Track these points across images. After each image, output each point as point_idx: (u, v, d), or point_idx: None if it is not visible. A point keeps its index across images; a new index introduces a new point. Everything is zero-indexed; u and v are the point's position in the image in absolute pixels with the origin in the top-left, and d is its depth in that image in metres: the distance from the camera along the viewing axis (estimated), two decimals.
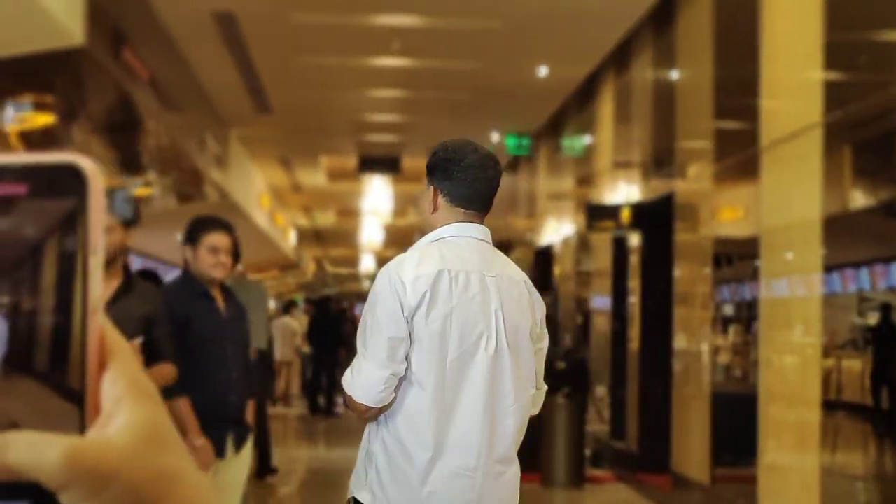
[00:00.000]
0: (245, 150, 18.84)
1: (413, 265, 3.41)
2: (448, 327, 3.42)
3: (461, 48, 12.34)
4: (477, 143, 3.72)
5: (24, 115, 9.11)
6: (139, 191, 14.60)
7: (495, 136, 16.70)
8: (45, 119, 9.37)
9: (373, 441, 3.51)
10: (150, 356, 4.79)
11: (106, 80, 9.18)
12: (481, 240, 3.61)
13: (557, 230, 16.21)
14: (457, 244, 3.54)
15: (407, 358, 3.42)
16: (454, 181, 3.60)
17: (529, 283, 3.66)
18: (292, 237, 31.31)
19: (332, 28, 11.62)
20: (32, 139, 10.93)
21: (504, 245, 14.57)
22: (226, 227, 5.36)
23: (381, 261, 43.49)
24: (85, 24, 7.80)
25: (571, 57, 12.63)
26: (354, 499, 3.52)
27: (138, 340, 4.61)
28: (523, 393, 3.51)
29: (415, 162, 20.73)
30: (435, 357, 3.42)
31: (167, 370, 4.87)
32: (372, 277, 35.33)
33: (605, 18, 11.19)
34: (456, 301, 3.41)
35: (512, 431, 3.50)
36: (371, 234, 28.52)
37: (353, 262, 43.49)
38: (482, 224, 3.68)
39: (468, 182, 3.60)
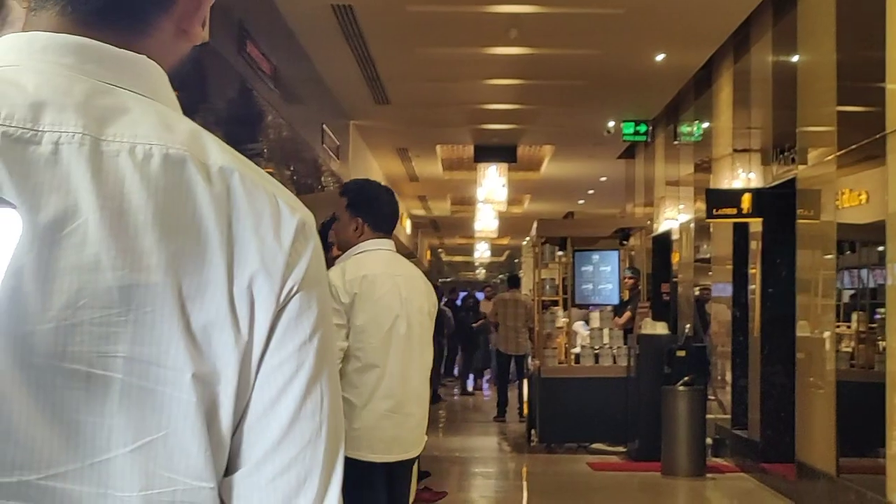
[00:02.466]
0: (363, 141, 19.02)
1: (342, 273, 4.82)
2: (376, 314, 4.82)
3: (579, 35, 12.31)
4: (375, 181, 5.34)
5: None
6: None
7: (611, 123, 16.62)
8: None
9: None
10: None
11: (230, 75, 9.36)
12: (389, 250, 5.00)
13: (675, 217, 16.09)
14: (374, 254, 4.92)
15: (347, 337, 4.77)
16: (375, 215, 4.96)
17: (423, 277, 5.18)
18: (408, 226, 31.52)
19: (449, 18, 11.67)
20: None
21: (622, 233, 14.50)
22: None
23: (496, 249, 43.61)
24: (210, 20, 7.97)
25: (690, 42, 12.52)
26: None
27: None
28: (427, 356, 5.00)
29: (531, 151, 20.75)
30: (369, 335, 4.81)
31: None
32: (486, 266, 35.14)
33: (724, 3, 11.07)
34: (377, 294, 4.82)
35: (418, 384, 4.94)
36: (486, 222, 28.55)
37: (468, 250, 43.62)
38: (389, 239, 5.05)
39: (383, 215, 5.01)
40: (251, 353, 1.08)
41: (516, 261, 43.21)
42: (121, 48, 1.13)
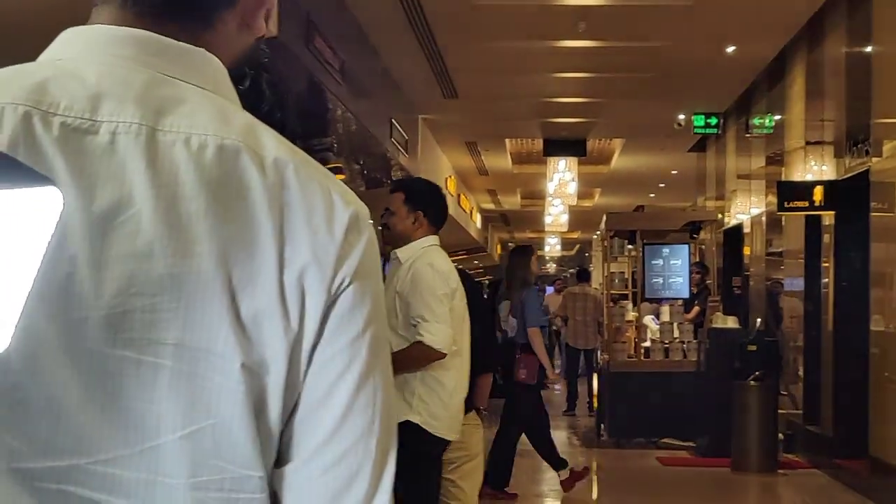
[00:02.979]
0: (432, 136, 19.04)
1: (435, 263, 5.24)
2: (460, 304, 5.29)
3: (647, 27, 12.22)
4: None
5: None
6: None
7: (682, 116, 16.49)
8: None
9: (410, 379, 5.10)
10: None
11: (299, 69, 9.41)
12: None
13: (747, 210, 15.92)
14: (440, 249, 5.35)
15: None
16: (435, 209, 5.35)
17: None
18: (478, 220, 31.52)
19: (516, 11, 11.64)
20: None
21: (692, 226, 14.38)
22: None
23: (566, 243, 43.49)
24: (278, 14, 8.01)
25: (761, 34, 12.39)
26: (408, 421, 5.01)
27: None
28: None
29: (600, 144, 20.65)
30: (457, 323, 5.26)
31: None
32: (557, 260, 34.95)
33: None
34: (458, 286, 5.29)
35: None
36: (556, 216, 28.48)
37: (539, 244, 43.55)
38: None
39: (442, 209, 5.42)
40: (301, 345, 1.08)
41: (587, 255, 43.07)
42: (184, 41, 1.15)
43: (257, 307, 1.06)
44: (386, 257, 5.36)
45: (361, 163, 15.65)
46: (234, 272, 1.05)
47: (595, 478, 11.69)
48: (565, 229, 30.33)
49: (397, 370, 5.09)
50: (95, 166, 1.05)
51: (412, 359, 5.09)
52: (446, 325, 5.11)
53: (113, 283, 1.03)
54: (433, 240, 5.34)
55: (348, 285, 1.09)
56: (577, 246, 46.83)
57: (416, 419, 5.12)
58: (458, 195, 24.56)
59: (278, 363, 1.07)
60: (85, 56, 1.13)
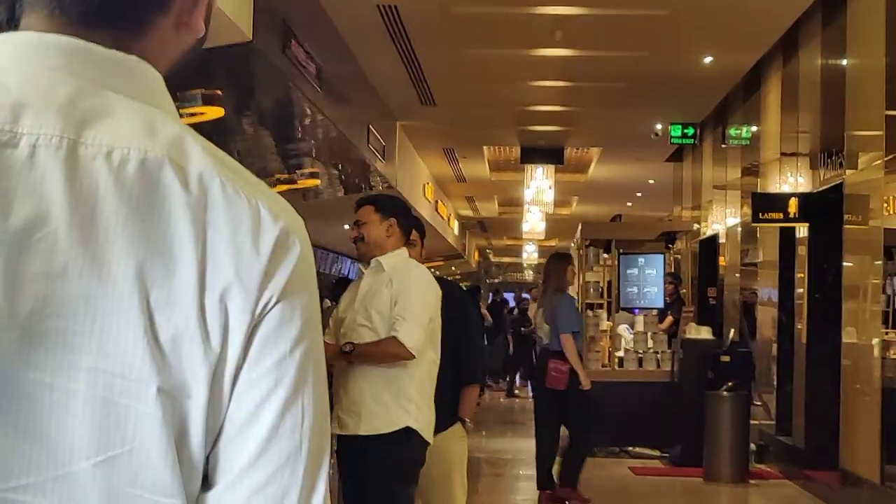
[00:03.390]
0: (410, 142, 19.03)
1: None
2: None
3: (624, 37, 12.24)
4: None
5: (194, 109, 9.38)
6: (305, 182, 14.90)
7: (659, 126, 16.52)
8: (214, 112, 9.62)
9: (406, 387, 5.24)
10: None
11: (274, 74, 9.39)
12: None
13: (722, 220, 15.96)
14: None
15: None
16: (408, 219, 5.56)
17: None
18: (456, 227, 31.52)
19: (494, 19, 11.64)
20: (203, 131, 11.25)
21: (667, 237, 14.41)
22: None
23: (544, 251, 43.54)
24: (253, 19, 7.99)
25: (737, 45, 12.42)
26: (408, 427, 5.20)
27: None
28: None
29: (578, 152, 20.68)
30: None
31: None
32: (535, 267, 34.88)
33: (772, 5, 10.96)
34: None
35: None
36: (533, 224, 28.49)
37: (516, 251, 43.57)
38: None
39: (412, 223, 5.66)
40: (224, 367, 1.05)
41: None
42: (116, 48, 1.12)
43: (176, 329, 1.02)
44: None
45: (340, 168, 15.63)
46: (151, 293, 1.02)
47: None
48: (543, 237, 30.29)
49: (363, 360, 5.23)
50: (14, 180, 1.02)
51: (382, 352, 5.22)
52: (422, 330, 5.22)
53: (27, 303, 1.00)
54: (406, 252, 5.51)
55: (275, 304, 1.06)
56: None
57: (415, 425, 5.25)
58: (436, 202, 24.55)
59: (199, 387, 1.03)
60: (9, 64, 1.09)
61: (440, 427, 5.54)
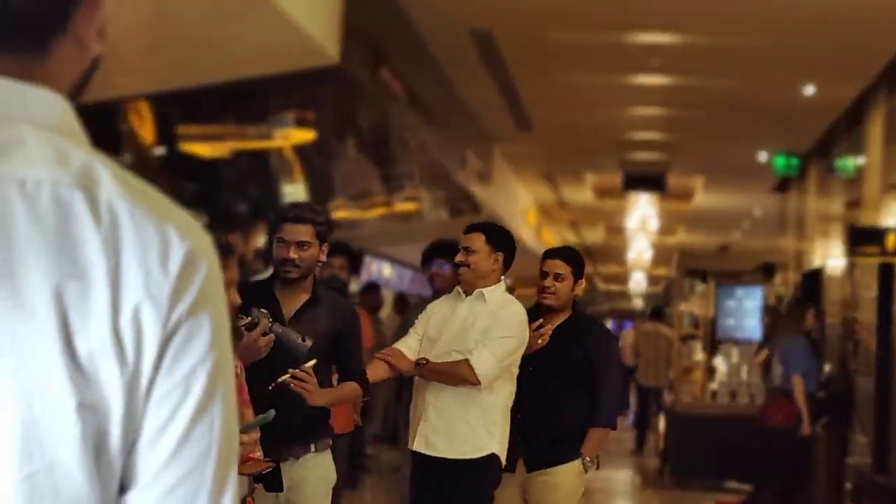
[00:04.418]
0: (509, 167, 19.02)
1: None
2: None
3: (723, 66, 12.10)
4: None
5: (286, 132, 9.50)
6: (402, 206, 14.99)
7: (763, 156, 16.29)
8: (306, 135, 9.74)
9: (491, 410, 5.36)
10: (340, 373, 4.84)
11: (363, 97, 9.47)
12: None
13: (826, 254, 15.64)
14: None
15: None
16: (511, 257, 5.55)
17: None
18: None
19: (590, 46, 11.61)
20: (305, 154, 11.40)
21: (766, 268, 14.18)
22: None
23: (653, 279, 43.19)
24: (341, 43, 8.07)
25: (839, 75, 12.19)
26: (493, 454, 5.34)
27: (311, 363, 4.50)
28: None
29: (681, 180, 20.46)
30: None
31: (353, 389, 4.87)
32: (643, 296, 34.46)
33: (874, 37, 10.74)
34: None
35: None
36: (639, 251, 28.27)
37: (622, 279, 43.24)
38: None
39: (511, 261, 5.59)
40: (139, 381, 1.12)
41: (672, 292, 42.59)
42: (22, 74, 1.16)
43: (92, 347, 1.09)
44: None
45: (438, 192, 15.70)
46: (69, 314, 1.09)
47: None
48: (649, 265, 30.09)
49: (433, 377, 5.35)
50: None
51: (450, 372, 5.33)
52: (497, 362, 5.30)
53: None
54: (504, 286, 5.63)
55: (185, 319, 1.13)
56: (664, 283, 46.39)
57: (498, 451, 5.40)
58: (539, 227, 24.49)
59: (116, 400, 1.10)
60: None
61: (557, 460, 5.64)
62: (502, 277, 5.57)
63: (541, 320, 5.63)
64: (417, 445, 5.43)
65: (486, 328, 5.34)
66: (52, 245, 1.09)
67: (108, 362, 1.09)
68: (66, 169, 1.11)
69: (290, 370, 4.40)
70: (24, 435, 1.07)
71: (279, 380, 4.37)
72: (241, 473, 3.41)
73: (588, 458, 5.74)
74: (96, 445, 1.09)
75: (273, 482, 3.87)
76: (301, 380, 4.43)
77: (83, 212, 1.10)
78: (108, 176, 1.13)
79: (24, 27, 1.17)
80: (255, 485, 4.00)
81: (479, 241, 5.45)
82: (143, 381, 1.12)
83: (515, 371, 5.47)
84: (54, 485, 1.08)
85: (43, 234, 1.09)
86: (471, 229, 5.58)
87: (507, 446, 5.44)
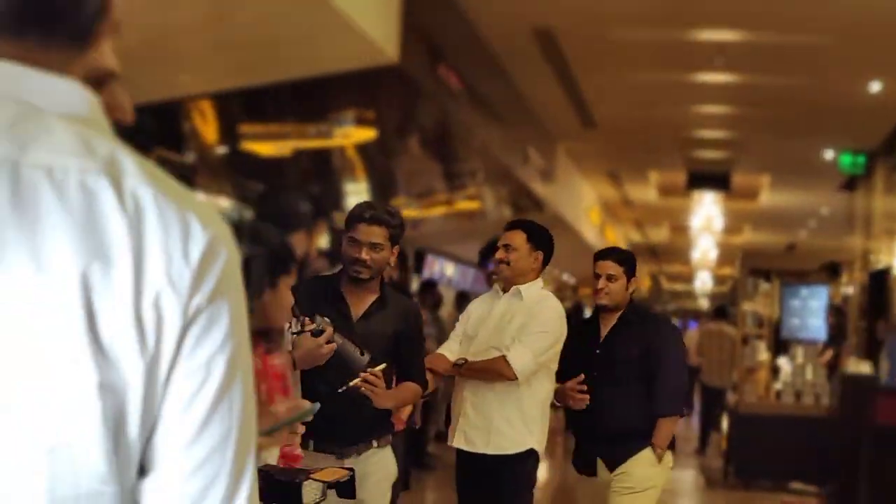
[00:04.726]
0: (573, 164, 18.96)
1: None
2: None
3: (788, 63, 11.99)
4: None
5: (346, 130, 9.54)
6: (464, 204, 14.99)
7: (829, 154, 16.10)
8: (366, 134, 9.77)
9: (529, 408, 5.38)
10: (400, 373, 4.82)
11: (423, 96, 9.49)
12: None
13: (893, 253, 15.43)
14: None
15: None
16: (550, 257, 5.59)
17: None
18: None
19: (653, 44, 11.54)
20: (367, 153, 11.44)
21: (831, 267, 14.01)
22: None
23: (719, 279, 42.88)
24: (399, 43, 8.10)
25: None
26: (532, 449, 5.37)
27: (381, 367, 4.53)
28: None
29: (746, 179, 20.29)
30: None
31: (413, 389, 4.88)
32: (709, 295, 34.11)
33: None
34: None
35: None
36: (704, 250, 28.04)
37: (687, 278, 42.94)
38: None
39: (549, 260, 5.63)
40: (159, 364, 1.15)
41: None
42: (60, 63, 1.20)
43: (115, 330, 1.13)
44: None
45: (500, 190, 15.69)
46: (93, 296, 1.12)
47: None
48: (714, 264, 29.86)
49: (472, 375, 5.42)
50: None
51: (487, 368, 5.39)
52: (533, 357, 5.34)
53: None
54: (542, 283, 5.64)
55: (205, 307, 1.16)
56: (731, 282, 45.98)
57: (537, 447, 5.44)
58: (603, 226, 24.39)
59: (136, 383, 1.14)
60: None
61: (630, 454, 5.65)
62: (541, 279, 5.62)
63: (582, 376, 5.62)
64: (457, 442, 5.48)
65: (523, 324, 5.38)
66: (78, 229, 1.13)
67: (130, 345, 1.13)
68: (92, 157, 1.15)
69: (361, 374, 4.44)
70: (44, 411, 1.11)
71: (350, 384, 4.42)
72: (318, 480, 3.44)
73: (660, 448, 5.73)
74: (115, 426, 1.13)
75: (347, 490, 3.90)
76: (371, 383, 4.47)
77: (109, 198, 1.14)
78: (132, 165, 1.16)
79: (68, 19, 1.21)
80: (329, 490, 4.03)
81: (519, 238, 5.48)
82: (163, 366, 1.15)
83: (554, 367, 5.51)
84: (73, 462, 1.12)
85: (70, 218, 1.12)
86: (511, 227, 5.62)
87: (545, 442, 5.49)
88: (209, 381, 1.16)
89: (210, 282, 1.17)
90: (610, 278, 5.67)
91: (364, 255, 4.65)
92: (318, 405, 3.44)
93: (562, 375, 5.66)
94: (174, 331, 1.15)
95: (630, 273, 5.78)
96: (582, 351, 5.70)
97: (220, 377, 1.17)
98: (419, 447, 11.43)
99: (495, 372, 5.33)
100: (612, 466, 5.69)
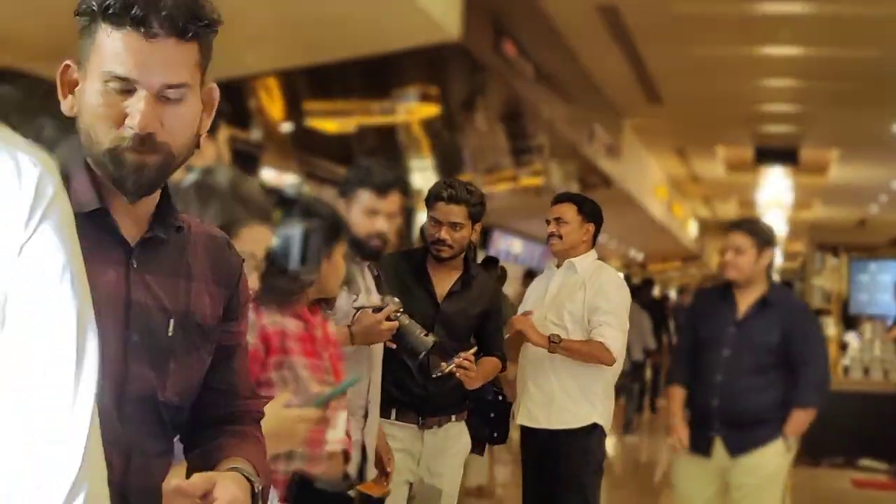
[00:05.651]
0: (639, 140, 18.88)
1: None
2: None
3: (856, 36, 11.83)
4: None
5: (410, 106, 9.60)
6: (528, 181, 15.00)
7: None
8: (429, 110, 9.83)
9: (590, 385, 5.34)
10: (481, 349, 4.80)
11: (486, 72, 9.52)
12: None
13: None
14: None
15: None
16: (599, 230, 5.51)
17: None
18: (693, 228, 31.05)
19: (717, 17, 11.45)
20: (432, 129, 11.50)
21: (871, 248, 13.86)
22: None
23: (789, 255, 42.45)
24: (462, 19, 8.13)
25: None
26: (596, 423, 5.32)
27: (472, 351, 4.58)
28: None
29: (815, 153, 20.08)
30: None
31: (494, 364, 4.94)
32: (780, 272, 33.84)
33: None
34: None
35: None
36: (773, 226, 27.72)
37: None
38: None
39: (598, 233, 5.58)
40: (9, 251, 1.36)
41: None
42: None
43: None
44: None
45: (567, 166, 15.67)
46: None
47: (785, 496, 11.40)
48: (784, 240, 29.51)
49: (566, 353, 5.31)
50: None
51: (587, 352, 5.28)
52: (624, 336, 5.31)
53: None
54: (596, 255, 5.58)
55: (39, 224, 1.36)
56: (802, 258, 45.48)
57: (600, 421, 5.37)
58: (670, 202, 24.27)
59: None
60: None
61: (759, 442, 5.50)
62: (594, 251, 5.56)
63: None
64: (521, 419, 5.44)
65: (590, 302, 5.31)
66: None
67: None
68: None
69: (456, 359, 4.48)
70: None
71: (446, 369, 4.47)
72: (358, 490, 3.48)
73: (791, 439, 5.58)
74: None
75: None
76: (465, 368, 4.52)
77: None
78: None
79: None
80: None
81: (570, 211, 5.41)
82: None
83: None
84: None
85: None
86: (560, 199, 5.54)
87: (611, 418, 5.44)
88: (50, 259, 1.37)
89: (43, 204, 1.36)
90: (738, 251, 5.43)
91: (444, 234, 4.70)
92: (357, 378, 3.45)
93: (695, 351, 5.63)
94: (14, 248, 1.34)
95: (761, 246, 5.48)
96: (716, 327, 5.56)
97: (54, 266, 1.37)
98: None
99: (594, 356, 5.26)
100: (734, 451, 5.52)
